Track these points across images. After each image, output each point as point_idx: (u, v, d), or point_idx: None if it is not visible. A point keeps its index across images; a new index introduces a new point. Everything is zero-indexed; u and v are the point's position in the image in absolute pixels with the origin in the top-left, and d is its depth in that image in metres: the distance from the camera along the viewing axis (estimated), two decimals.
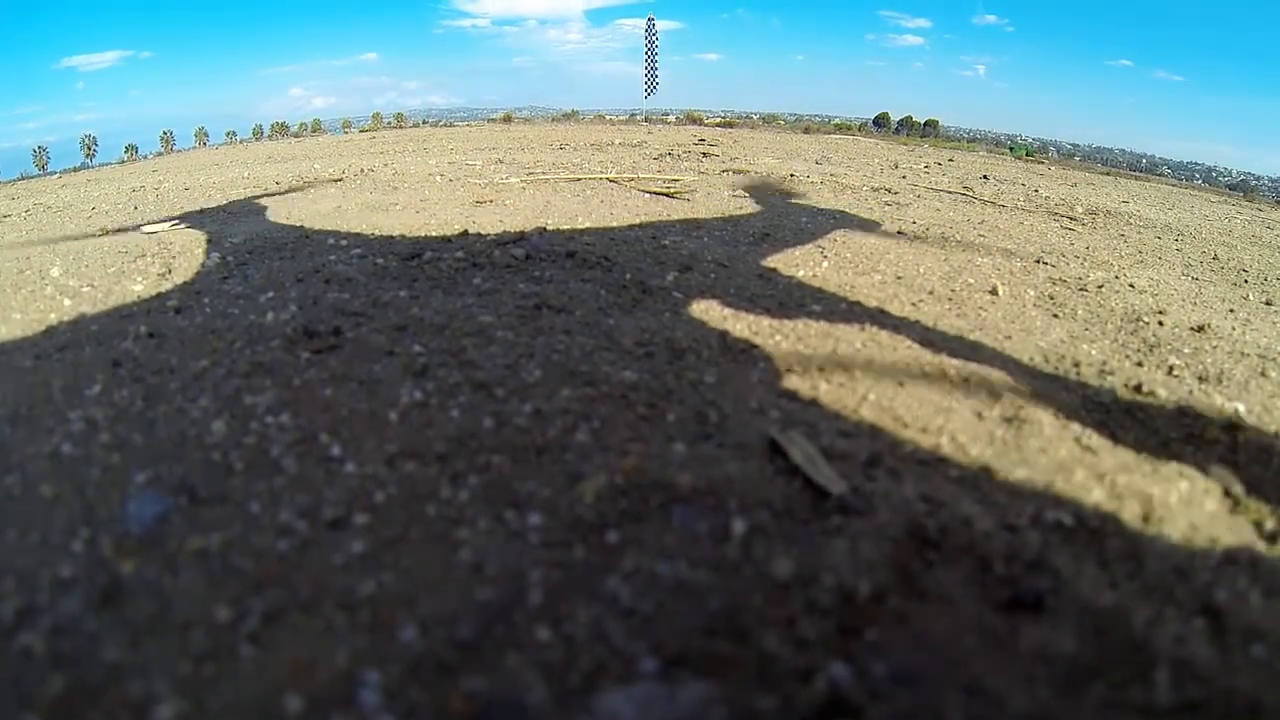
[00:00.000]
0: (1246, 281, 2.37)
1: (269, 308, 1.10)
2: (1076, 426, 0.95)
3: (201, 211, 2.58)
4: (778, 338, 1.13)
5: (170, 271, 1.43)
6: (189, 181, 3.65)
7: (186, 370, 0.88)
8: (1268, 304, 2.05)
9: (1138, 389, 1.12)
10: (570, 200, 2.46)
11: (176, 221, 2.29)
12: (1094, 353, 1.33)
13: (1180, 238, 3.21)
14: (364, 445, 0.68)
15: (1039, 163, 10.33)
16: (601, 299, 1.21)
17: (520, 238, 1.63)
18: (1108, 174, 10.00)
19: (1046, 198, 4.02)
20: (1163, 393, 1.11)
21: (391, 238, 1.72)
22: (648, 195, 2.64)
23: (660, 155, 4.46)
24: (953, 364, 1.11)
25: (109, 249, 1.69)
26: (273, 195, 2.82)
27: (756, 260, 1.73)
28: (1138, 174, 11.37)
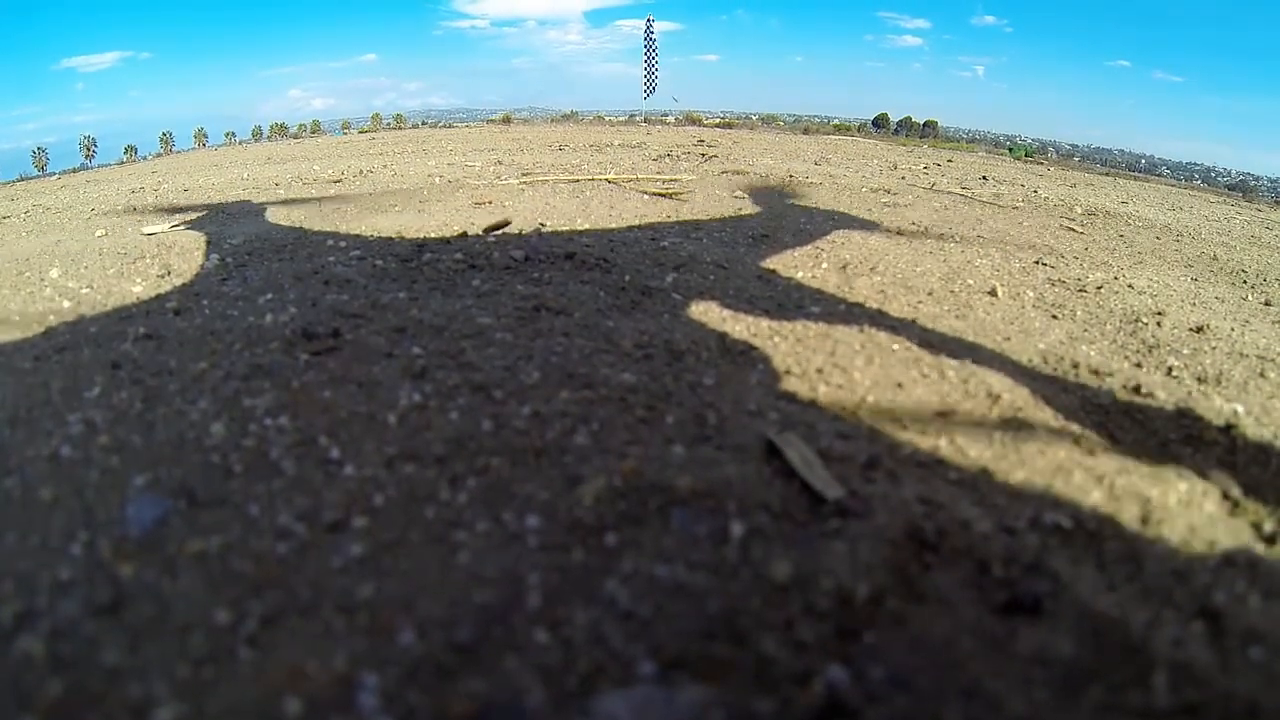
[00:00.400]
0: (1245, 282, 2.35)
1: (268, 309, 1.11)
2: (1075, 428, 0.95)
3: (201, 213, 2.58)
4: (776, 339, 1.13)
5: (169, 273, 1.43)
6: (188, 183, 3.65)
7: (186, 372, 0.88)
8: (1267, 304, 2.03)
9: (1136, 390, 1.12)
10: (569, 201, 2.46)
11: (176, 223, 2.29)
12: (1093, 354, 1.33)
13: (1179, 238, 3.21)
14: (363, 447, 0.68)
15: (1038, 163, 10.35)
16: (600, 301, 1.21)
17: (519, 240, 1.63)
18: (1107, 174, 10.00)
19: (1046, 199, 4.03)
20: (1161, 394, 1.11)
21: (390, 239, 1.72)
22: (647, 196, 2.64)
23: (660, 156, 4.46)
24: (951, 365, 1.11)
25: (108, 250, 1.69)
26: (271, 196, 2.82)
27: (755, 262, 1.73)
28: (1137, 174, 11.39)
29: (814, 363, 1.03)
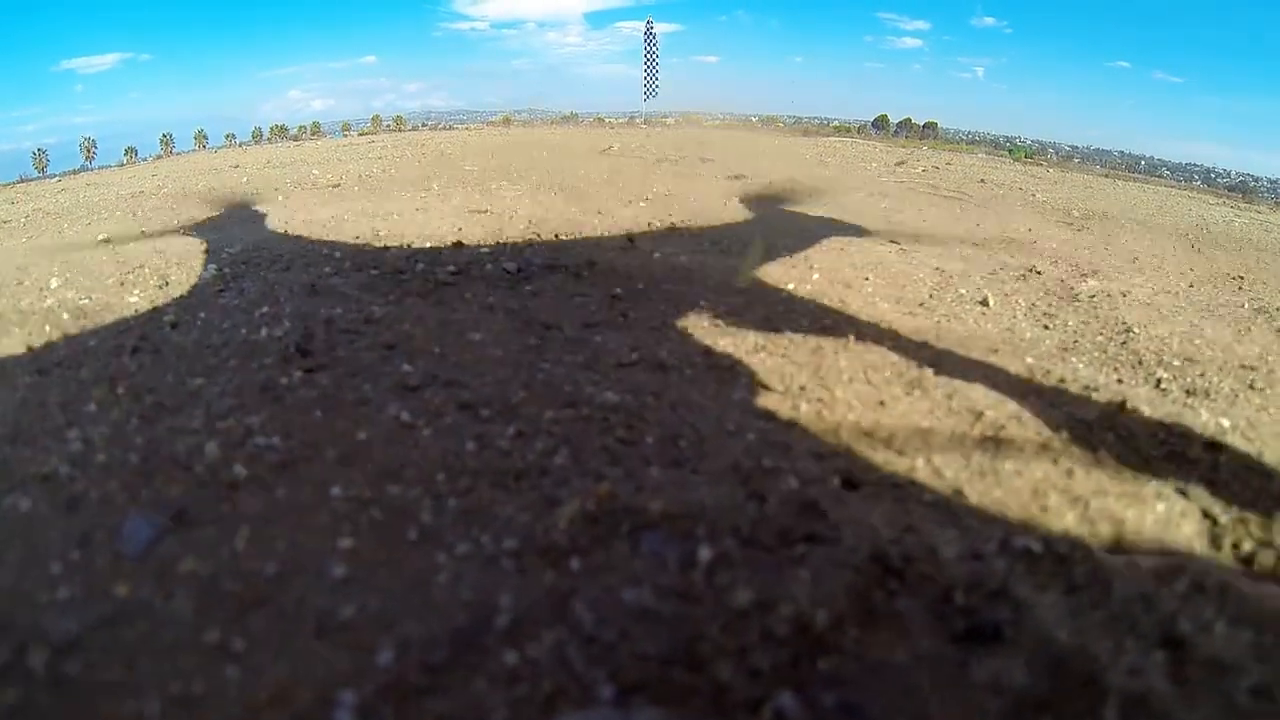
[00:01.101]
0: (1241, 289, 2.33)
1: (263, 323, 1.13)
2: (1057, 445, 0.95)
3: (200, 219, 2.61)
4: (762, 355, 1.14)
5: (167, 283, 1.45)
6: (187, 187, 3.68)
7: (182, 388, 0.91)
8: (1260, 311, 2.02)
9: (1122, 406, 1.12)
10: (565, 208, 2.48)
11: (175, 229, 2.31)
12: (1081, 366, 1.32)
13: (1177, 242, 3.21)
14: (350, 467, 0.70)
15: (1038, 164, 10.30)
16: (590, 315, 1.23)
17: (512, 249, 1.66)
18: (1106, 175, 9.95)
19: (1043, 202, 4.03)
20: (1146, 410, 1.11)
21: (386, 248, 1.74)
22: (642, 203, 2.66)
23: (659, 160, 4.48)
24: (936, 381, 1.12)
25: (107, 259, 1.71)
26: (271, 202, 2.85)
27: (748, 272, 1.74)
28: (1136, 175, 11.34)
29: (798, 380, 1.05)
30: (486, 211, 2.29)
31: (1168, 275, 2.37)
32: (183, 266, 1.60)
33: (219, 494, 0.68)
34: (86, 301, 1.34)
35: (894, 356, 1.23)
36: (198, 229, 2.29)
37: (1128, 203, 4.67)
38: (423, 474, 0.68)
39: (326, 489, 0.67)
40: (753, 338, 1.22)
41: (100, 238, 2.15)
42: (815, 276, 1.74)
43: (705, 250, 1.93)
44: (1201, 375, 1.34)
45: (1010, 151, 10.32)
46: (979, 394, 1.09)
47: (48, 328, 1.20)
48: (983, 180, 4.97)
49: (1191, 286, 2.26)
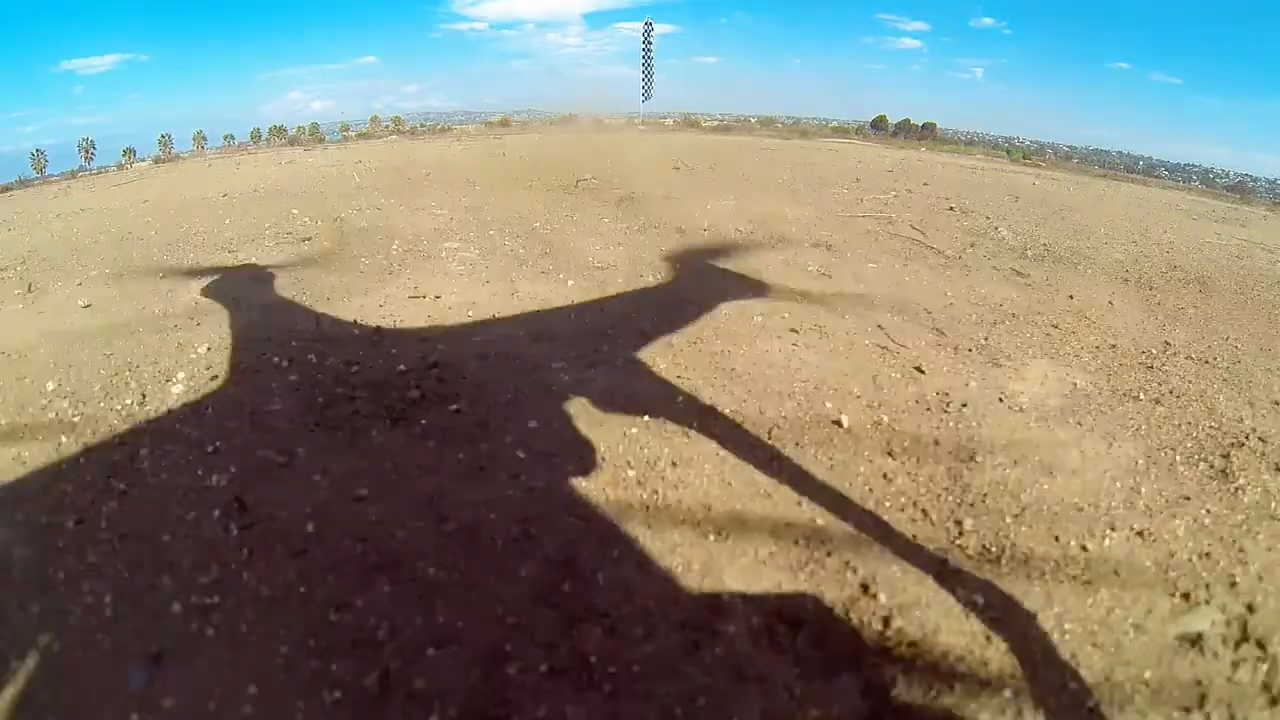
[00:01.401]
0: (1153, 369, 2.07)
1: (214, 469, 1.55)
2: (740, 649, 1.02)
3: (181, 272, 2.94)
4: (556, 518, 1.54)
5: (145, 397, 1.86)
6: (174, 232, 3.94)
7: (155, 540, 1.35)
8: (1156, 402, 1.82)
9: (864, 588, 1.14)
10: (490, 295, 2.76)
11: (158, 286, 2.66)
12: (887, 518, 1.30)
13: (1126, 289, 2.96)
14: (263, 629, 1.16)
15: (1036, 165, 10.19)
16: (459, 464, 1.63)
17: (421, 369, 2.03)
18: (1104, 176, 9.83)
19: (1003, 239, 3.85)
20: (885, 595, 1.10)
21: (328, 350, 2.11)
22: (570, 281, 2.96)
23: (620, 200, 4.62)
24: (677, 560, 1.24)
25: (97, 345, 2.10)
26: (244, 262, 3.17)
27: (630, 366, 1.96)
28: (1134, 176, 11.28)
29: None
30: (424, 299, 2.64)
31: (1076, 356, 2.17)
32: (158, 367, 2.00)
33: (180, 643, 1.14)
34: (78, 417, 1.75)
35: (674, 533, 1.30)
36: (179, 302, 2.64)
37: (1102, 229, 4.32)
38: (298, 639, 1.15)
39: (242, 647, 1.14)
40: (570, 492, 1.61)
41: (84, 301, 2.51)
42: (680, 400, 1.78)
43: (594, 355, 2.06)
44: (1015, 520, 1.29)
45: (1009, 152, 10.15)
46: (717, 578, 1.18)
47: (48, 446, 1.62)
48: (951, 208, 4.77)
49: (1101, 368, 2.06)
